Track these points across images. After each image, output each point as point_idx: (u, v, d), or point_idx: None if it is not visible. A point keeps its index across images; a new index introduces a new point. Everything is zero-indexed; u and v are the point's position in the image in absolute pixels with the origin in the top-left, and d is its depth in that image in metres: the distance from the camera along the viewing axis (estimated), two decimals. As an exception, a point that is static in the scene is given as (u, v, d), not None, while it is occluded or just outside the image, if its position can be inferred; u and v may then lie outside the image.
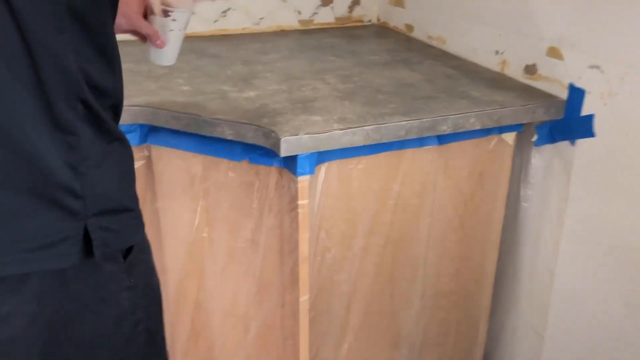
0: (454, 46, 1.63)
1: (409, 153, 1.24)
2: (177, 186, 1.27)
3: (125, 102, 1.24)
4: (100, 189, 0.74)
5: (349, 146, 1.13)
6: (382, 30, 1.92)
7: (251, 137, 1.13)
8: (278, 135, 1.08)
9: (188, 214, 1.27)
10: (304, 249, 1.17)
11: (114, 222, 0.76)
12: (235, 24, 1.83)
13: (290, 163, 1.13)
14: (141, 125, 1.25)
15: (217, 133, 1.15)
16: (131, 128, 1.25)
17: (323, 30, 1.91)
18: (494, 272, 1.46)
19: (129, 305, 0.81)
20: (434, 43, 1.71)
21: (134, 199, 0.83)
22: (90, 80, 0.70)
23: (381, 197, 1.25)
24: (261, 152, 1.16)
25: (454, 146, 1.28)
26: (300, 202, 1.14)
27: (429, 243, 1.35)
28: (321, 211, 1.21)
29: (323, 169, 1.18)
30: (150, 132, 1.26)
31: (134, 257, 0.82)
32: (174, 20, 1.04)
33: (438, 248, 1.37)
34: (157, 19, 1.01)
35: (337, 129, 1.11)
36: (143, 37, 1.02)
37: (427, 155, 1.26)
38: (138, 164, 1.28)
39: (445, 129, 1.19)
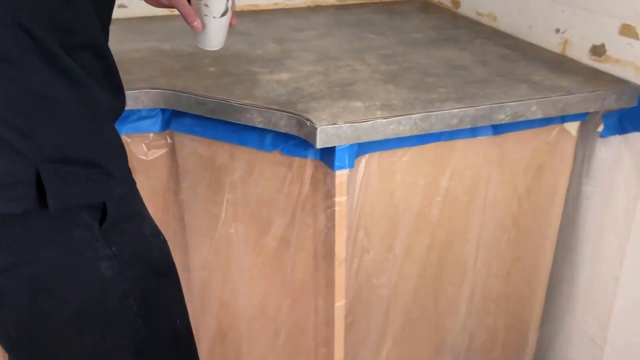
0: (506, 24, 1.47)
1: (459, 144, 1.10)
2: (202, 177, 1.16)
3: (146, 83, 1.15)
4: (54, 132, 0.70)
5: (394, 137, 1.00)
6: (425, 6, 1.76)
7: (283, 126, 1.00)
8: (314, 123, 0.95)
9: (214, 208, 1.16)
10: (340, 250, 1.05)
11: (73, 174, 0.71)
12: (267, -2, 1.69)
13: (327, 155, 1.01)
14: (163, 110, 1.13)
15: (245, 120, 1.03)
16: (152, 113, 1.13)
17: (361, 5, 1.76)
18: (548, 275, 1.33)
19: (111, 275, 0.77)
20: (484, 20, 1.56)
21: (107, 156, 0.76)
22: (27, 5, 0.65)
23: (427, 193, 1.12)
24: (295, 142, 1.04)
25: (510, 137, 1.13)
26: (337, 199, 1.01)
27: (478, 243, 1.22)
28: (360, 208, 1.08)
29: (363, 162, 1.05)
30: (173, 117, 1.14)
31: (114, 224, 0.77)
32: (206, 5, 0.95)
33: (488, 249, 1.24)
34: (192, 1, 0.95)
35: (380, 118, 0.98)
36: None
37: (480, 146, 1.12)
38: (160, 152, 1.17)
39: (503, 117, 1.05)
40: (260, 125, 1.03)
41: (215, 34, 1.00)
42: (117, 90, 0.80)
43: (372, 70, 1.20)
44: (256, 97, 1.05)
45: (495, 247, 1.24)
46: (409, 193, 1.11)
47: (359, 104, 1.03)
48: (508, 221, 1.23)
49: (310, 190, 1.06)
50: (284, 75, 1.16)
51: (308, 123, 0.96)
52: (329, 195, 1.02)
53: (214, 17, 0.96)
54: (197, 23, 0.95)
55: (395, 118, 0.98)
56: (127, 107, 1.10)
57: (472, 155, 1.12)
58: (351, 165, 1.00)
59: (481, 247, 1.23)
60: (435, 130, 1.01)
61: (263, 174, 1.09)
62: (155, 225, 0.88)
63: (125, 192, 0.79)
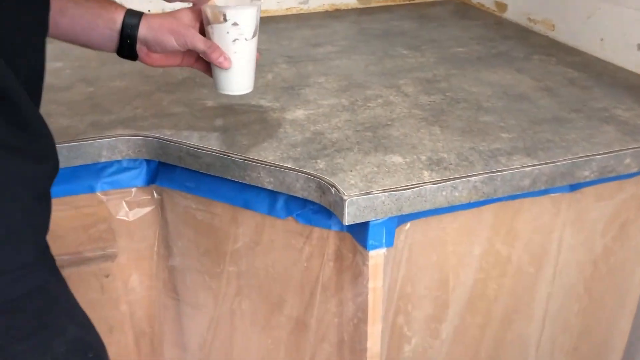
0: (568, 34, 1.22)
1: (526, 204, 0.86)
2: (197, 244, 0.92)
3: (126, 127, 0.89)
4: None
5: (447, 205, 0.75)
6: (462, 9, 1.50)
7: (300, 190, 0.77)
8: (340, 192, 0.71)
9: (212, 280, 0.93)
10: (374, 345, 0.81)
11: None
12: (277, 2, 1.45)
13: (357, 228, 0.77)
14: (148, 161, 0.90)
15: (251, 180, 0.80)
16: (134, 164, 0.90)
17: (386, 9, 1.51)
18: (623, 349, 1.08)
19: None
20: (537, 29, 1.30)
21: None
22: None
23: (484, 265, 0.88)
24: (314, 207, 0.80)
25: (589, 192, 0.88)
26: (371, 284, 0.77)
27: (544, 318, 0.97)
28: (400, 289, 0.84)
29: (404, 232, 0.81)
30: (161, 168, 0.91)
31: None
32: (235, 24, 0.75)
33: (554, 322, 0.99)
34: (215, 28, 0.75)
35: (429, 182, 0.73)
36: (206, 64, 0.80)
37: (551, 206, 0.87)
38: (144, 211, 0.94)
39: (587, 175, 0.80)
40: (270, 187, 0.79)
41: (246, 66, 0.78)
42: (39, 154, 0.56)
43: (410, 103, 0.95)
44: (265, 148, 0.81)
45: (562, 319, 1.00)
46: (461, 266, 0.87)
47: (398, 159, 0.78)
48: (579, 288, 0.98)
49: (334, 270, 0.82)
50: (300, 113, 0.92)
51: (333, 190, 0.72)
52: (360, 278, 0.78)
53: (245, 39, 0.76)
54: (224, 58, 0.75)
55: (449, 182, 0.74)
56: (103, 158, 0.87)
57: (542, 216, 0.87)
58: (390, 244, 0.76)
59: (547, 322, 0.98)
60: (501, 195, 0.77)
61: (273, 243, 0.86)
62: (87, 334, 0.63)
63: (19, 295, 0.55)
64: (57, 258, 0.95)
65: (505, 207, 0.85)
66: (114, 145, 0.86)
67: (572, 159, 0.79)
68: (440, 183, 0.73)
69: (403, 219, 0.79)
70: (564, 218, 0.89)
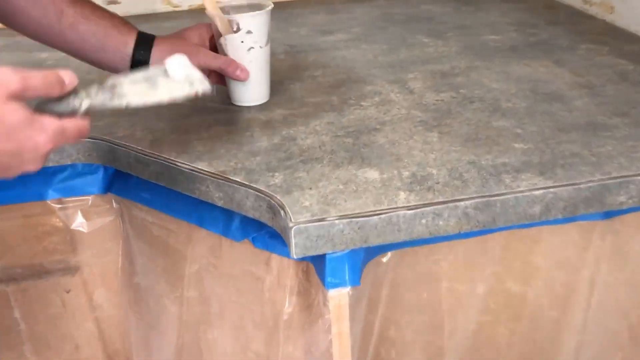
0: (628, 17, 1.00)
1: (545, 232, 0.68)
2: (155, 262, 0.80)
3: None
4: None
5: (429, 237, 0.59)
6: (510, -10, 1.30)
7: (251, 209, 0.63)
8: (287, 216, 0.57)
9: (173, 304, 0.81)
10: (344, 399, 0.67)
11: None
12: (296, -14, 1.30)
13: (318, 260, 0.62)
14: (105, 167, 0.79)
15: (200, 194, 0.67)
16: (90, 169, 0.79)
17: (422, -9, 1.33)
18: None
19: None
20: (594, 11, 1.09)
21: None
22: None
23: (491, 306, 0.71)
24: (271, 230, 0.66)
25: (630, 219, 0.69)
26: (335, 329, 0.62)
27: (573, 371, 0.79)
28: (380, 332, 0.69)
29: (382, 265, 0.66)
30: (117, 175, 0.79)
31: None
32: (249, 32, 0.74)
33: (588, 374, 0.81)
34: (228, 39, 0.75)
35: (403, 207, 0.58)
36: (219, 76, 0.79)
37: (579, 236, 0.69)
38: (103, 221, 0.83)
39: (623, 201, 0.61)
40: (220, 204, 0.66)
41: (264, 74, 0.78)
42: None
43: (412, 102, 0.79)
44: (220, 156, 0.68)
45: (599, 371, 0.81)
46: (460, 306, 0.70)
47: (373, 175, 0.63)
48: (623, 337, 0.79)
49: (298, 306, 0.67)
50: (278, 113, 0.78)
51: (282, 213, 0.58)
52: (322, 320, 0.64)
53: (260, 47, 0.76)
54: (242, 69, 0.76)
55: (431, 208, 0.58)
56: (51, 162, 0.77)
57: (567, 248, 0.69)
58: (355, 282, 0.60)
59: (577, 375, 0.80)
60: (502, 224, 0.60)
61: (233, 269, 0.72)
62: None
63: None
64: (9, 270, 0.87)
65: (519, 236, 0.67)
66: (61, 148, 0.75)
67: (602, 180, 0.60)
68: (418, 209, 0.57)
69: (380, 248, 0.63)
70: (597, 251, 0.70)
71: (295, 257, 0.57)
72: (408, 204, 0.58)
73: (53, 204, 0.80)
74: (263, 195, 0.61)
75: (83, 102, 0.52)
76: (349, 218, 0.56)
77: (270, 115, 0.77)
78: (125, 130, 0.75)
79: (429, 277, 0.68)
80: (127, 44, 0.72)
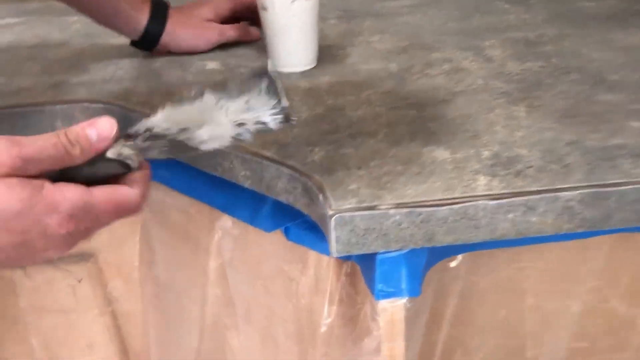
0: None
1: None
2: (174, 252, 0.68)
3: (90, 90, 0.64)
4: None
5: (515, 237, 0.44)
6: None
7: (283, 191, 0.49)
8: (327, 199, 0.43)
9: (193, 304, 0.69)
10: None
11: None
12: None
13: (366, 261, 0.48)
14: (123, 134, 0.67)
15: (224, 172, 0.54)
16: (104, 139, 0.67)
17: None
18: None
19: None
20: None
21: None
22: None
23: (589, 329, 0.55)
24: (309, 220, 0.52)
25: None
26: (385, 350, 0.48)
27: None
28: (443, 354, 0.54)
29: (450, 271, 0.51)
30: (134, 148, 0.68)
31: None
32: None
33: None
34: None
35: (483, 196, 0.43)
36: (238, 31, 0.75)
37: None
38: (120, 202, 0.71)
39: None
40: (246, 185, 0.53)
41: (311, 32, 0.66)
42: None
43: (491, 71, 0.64)
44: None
45: None
46: (548, 329, 0.55)
47: (443, 154, 0.48)
48: None
49: (339, 317, 0.54)
50: (324, 80, 0.64)
51: (320, 197, 0.44)
52: (369, 338, 0.50)
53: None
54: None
55: (522, 199, 0.43)
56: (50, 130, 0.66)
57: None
58: (414, 292, 0.46)
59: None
60: (617, 225, 0.44)
61: (261, 265, 0.59)
62: None
63: None
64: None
65: (631, 241, 0.51)
66: (70, 115, 0.64)
67: None
68: (505, 199, 0.43)
69: (447, 250, 0.49)
70: None
71: (336, 255, 0.43)
72: (490, 192, 0.43)
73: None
74: (298, 175, 0.47)
75: (125, 157, 0.37)
76: (410, 207, 0.42)
77: (315, 83, 0.64)
78: (142, 96, 0.64)
79: (509, 290, 0.53)
80: (139, 22, 0.70)
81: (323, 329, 0.55)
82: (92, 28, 0.87)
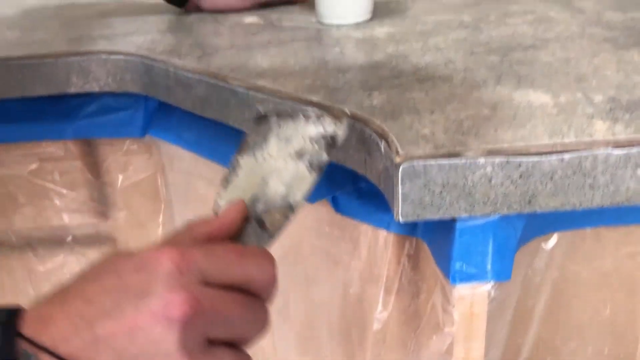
0: None
1: None
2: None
3: (108, 42, 0.55)
4: None
5: (646, 202, 0.33)
6: None
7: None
8: (392, 144, 0.33)
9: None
10: None
11: None
12: None
13: (438, 233, 0.37)
14: (146, 99, 0.58)
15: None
16: (127, 102, 0.59)
17: None
18: None
19: None
20: None
21: None
22: None
23: None
24: (363, 185, 0.42)
25: None
26: (459, 351, 0.37)
27: None
28: (533, 355, 0.43)
29: (543, 253, 0.40)
30: (159, 113, 0.59)
31: None
32: None
33: None
34: None
35: (605, 144, 0.32)
36: None
37: None
38: (142, 175, 0.62)
39: None
40: (286, 141, 0.42)
41: None
42: None
43: (585, 20, 0.53)
44: (293, 74, 0.45)
45: None
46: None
47: (542, 98, 0.37)
48: None
49: (397, 307, 0.43)
50: (381, 31, 0.54)
51: (382, 145, 0.34)
52: (440, 334, 0.39)
53: None
54: None
55: (659, 145, 0.31)
56: (73, 88, 0.57)
57: None
58: (503, 276, 0.35)
59: None
60: None
61: (302, 247, 0.49)
62: None
63: None
64: (17, 231, 0.69)
65: None
66: (86, 68, 0.55)
67: None
68: (635, 146, 0.31)
69: (540, 225, 0.38)
70: None
71: (401, 220, 0.33)
72: (614, 139, 0.32)
73: (77, 147, 0.60)
74: (352, 121, 0.37)
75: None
76: (506, 155, 0.31)
77: (370, 33, 0.53)
78: (168, 46, 0.54)
79: (617, 282, 0.41)
80: None
81: (376, 325, 0.44)
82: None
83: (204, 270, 0.28)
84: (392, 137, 0.33)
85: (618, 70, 0.41)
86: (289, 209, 0.33)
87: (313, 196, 0.45)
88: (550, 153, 0.31)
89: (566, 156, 0.31)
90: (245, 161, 0.34)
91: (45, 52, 0.56)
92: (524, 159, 0.31)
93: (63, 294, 0.28)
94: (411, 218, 0.32)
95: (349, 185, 0.43)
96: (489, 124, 0.34)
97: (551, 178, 0.32)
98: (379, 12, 0.59)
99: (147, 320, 0.26)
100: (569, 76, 0.40)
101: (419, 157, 0.31)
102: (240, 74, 0.46)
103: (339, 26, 0.56)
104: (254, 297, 0.30)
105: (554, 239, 0.40)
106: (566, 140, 0.32)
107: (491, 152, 0.31)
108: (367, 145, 0.36)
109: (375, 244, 0.43)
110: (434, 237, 0.37)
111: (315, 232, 0.47)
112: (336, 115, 0.34)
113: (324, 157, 0.33)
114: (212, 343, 0.28)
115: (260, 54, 0.50)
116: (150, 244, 0.31)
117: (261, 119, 0.35)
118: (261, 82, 0.44)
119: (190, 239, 0.31)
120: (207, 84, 0.47)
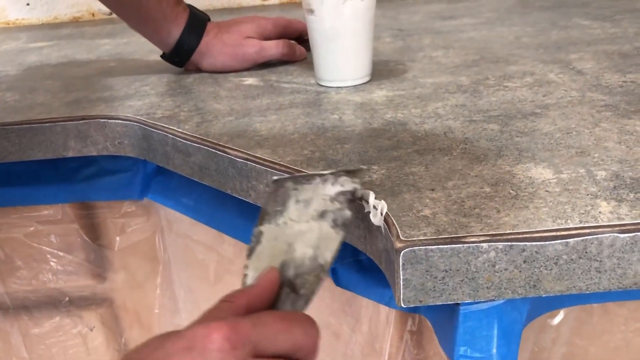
0: None
1: None
2: (201, 298, 0.57)
3: (111, 107, 0.55)
4: None
5: (655, 286, 0.32)
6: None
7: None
8: (393, 227, 0.32)
9: None
10: None
11: None
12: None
13: (440, 313, 0.36)
14: (145, 162, 0.58)
15: (257, 197, 0.43)
16: (125, 165, 0.58)
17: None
18: None
19: None
20: None
21: None
22: None
23: None
24: (362, 258, 0.41)
25: None
26: None
27: None
28: None
29: (550, 329, 0.39)
30: (157, 176, 0.58)
31: None
32: None
33: None
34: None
35: (611, 226, 0.31)
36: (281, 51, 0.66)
37: None
38: (141, 236, 0.62)
39: None
40: (285, 213, 0.42)
41: (365, 42, 0.56)
42: None
43: (585, 83, 0.52)
44: (291, 141, 0.45)
45: None
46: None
47: (544, 173, 0.37)
48: None
49: (400, 387, 0.41)
50: (379, 95, 0.54)
51: (383, 226, 0.33)
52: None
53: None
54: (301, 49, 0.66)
55: (666, 231, 0.31)
56: (71, 152, 0.57)
57: None
58: (510, 358, 0.34)
59: None
60: None
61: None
62: None
63: None
64: (16, 296, 0.68)
65: None
66: (84, 132, 0.55)
67: None
68: (642, 232, 0.31)
69: (546, 304, 0.37)
70: None
71: (403, 305, 0.32)
72: (619, 221, 0.31)
73: (74, 210, 0.60)
74: (350, 197, 0.36)
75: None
76: (509, 240, 0.31)
77: (369, 97, 0.53)
78: (167, 111, 0.54)
79: (628, 356, 0.40)
80: (170, 35, 0.62)
81: (379, 401, 0.43)
82: (123, 48, 0.81)
83: (255, 343, 0.28)
84: (392, 219, 0.33)
85: (619, 142, 0.40)
86: (320, 270, 0.32)
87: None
88: (555, 238, 0.30)
89: (571, 241, 0.31)
90: (267, 229, 0.34)
91: (43, 117, 0.56)
92: (528, 244, 0.30)
93: None
94: (413, 303, 0.32)
95: (349, 257, 0.42)
96: (490, 203, 0.34)
97: (556, 263, 0.31)
98: (377, 73, 0.59)
99: None
100: (570, 149, 0.40)
101: (421, 243, 0.31)
102: (239, 142, 0.46)
103: (338, 89, 0.56)
104: None
105: (560, 315, 0.39)
106: (570, 224, 0.31)
107: (494, 237, 0.31)
108: (367, 223, 0.35)
109: (377, 318, 0.42)
110: (438, 317, 0.36)
111: (316, 303, 0.46)
112: (352, 171, 0.34)
113: (347, 213, 0.33)
114: None
115: (259, 120, 0.50)
116: (194, 321, 0.30)
117: (277, 185, 0.35)
118: (260, 152, 0.44)
119: (231, 312, 0.30)
120: (206, 152, 0.47)
